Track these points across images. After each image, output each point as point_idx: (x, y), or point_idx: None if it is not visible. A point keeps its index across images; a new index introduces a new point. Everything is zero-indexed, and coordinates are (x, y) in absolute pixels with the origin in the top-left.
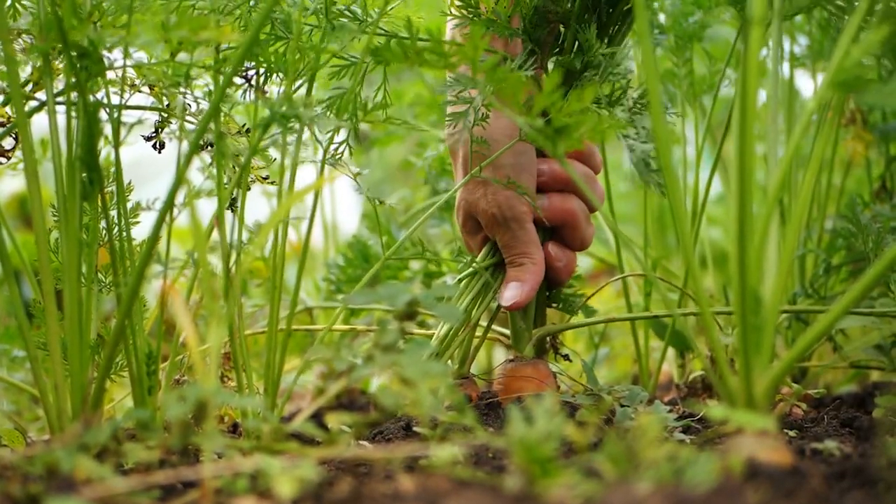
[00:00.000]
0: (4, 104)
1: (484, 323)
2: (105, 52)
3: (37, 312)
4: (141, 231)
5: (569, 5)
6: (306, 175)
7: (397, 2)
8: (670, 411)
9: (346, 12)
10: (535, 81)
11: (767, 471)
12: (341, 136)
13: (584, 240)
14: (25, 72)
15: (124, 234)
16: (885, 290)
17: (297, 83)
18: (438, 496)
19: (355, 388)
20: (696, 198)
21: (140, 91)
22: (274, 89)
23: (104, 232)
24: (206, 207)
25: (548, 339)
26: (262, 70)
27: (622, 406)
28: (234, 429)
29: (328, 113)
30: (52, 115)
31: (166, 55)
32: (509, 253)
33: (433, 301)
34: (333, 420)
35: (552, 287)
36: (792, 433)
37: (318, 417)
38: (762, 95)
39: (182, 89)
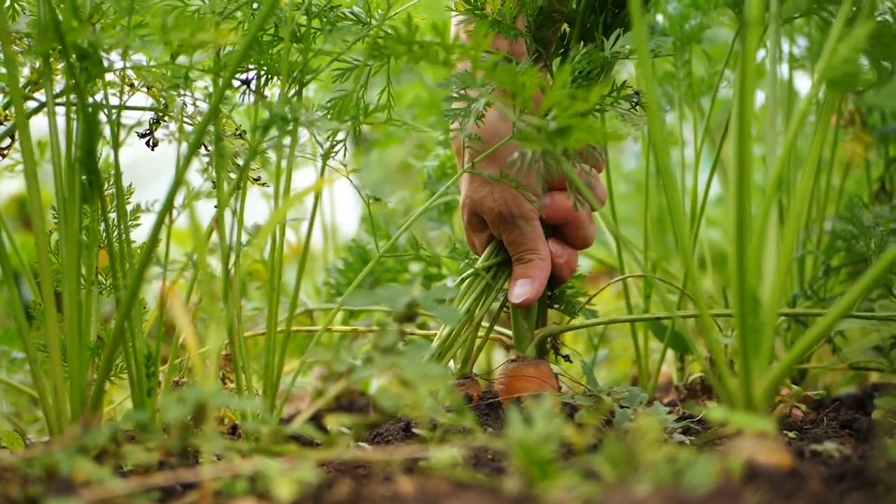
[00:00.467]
0: (6, 107)
1: (486, 324)
2: (104, 54)
3: (36, 314)
4: (140, 233)
5: (574, 5)
6: (306, 177)
7: (400, 5)
8: (670, 413)
9: (350, 14)
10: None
11: (767, 472)
12: (341, 137)
13: (587, 238)
14: (25, 73)
15: (124, 236)
16: (885, 292)
17: (297, 85)
18: (437, 498)
19: (354, 390)
20: (695, 199)
21: (140, 92)
22: (274, 91)
23: (104, 234)
24: (206, 209)
25: (549, 339)
26: (261, 72)
27: (622, 407)
28: (234, 430)
29: (329, 115)
30: (51, 116)
31: (166, 57)
32: (517, 250)
33: (433, 303)
34: (332, 422)
35: (554, 286)
36: (791, 435)
37: (317, 419)
38: (760, 97)
39: (181, 91)
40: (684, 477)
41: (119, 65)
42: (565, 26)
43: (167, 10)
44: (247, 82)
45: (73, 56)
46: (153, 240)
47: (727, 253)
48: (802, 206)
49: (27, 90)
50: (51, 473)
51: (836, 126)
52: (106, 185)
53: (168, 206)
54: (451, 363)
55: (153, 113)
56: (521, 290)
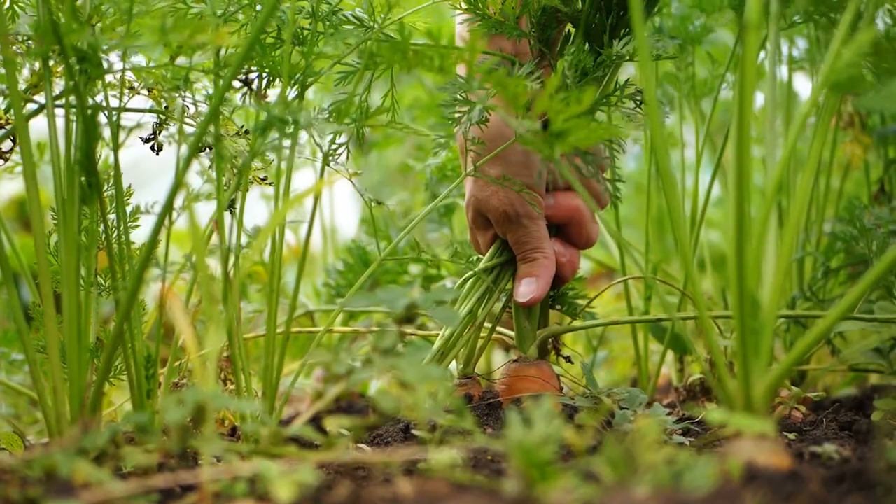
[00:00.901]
0: (6, 110)
1: (488, 324)
2: (104, 55)
3: (35, 316)
4: (140, 234)
5: (579, 5)
6: (306, 178)
7: (402, 10)
8: (669, 414)
9: (353, 18)
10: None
11: (766, 474)
12: (341, 139)
13: (590, 238)
14: (24, 75)
15: (123, 237)
16: (884, 294)
17: (298, 87)
18: (437, 500)
19: (354, 392)
20: (696, 201)
21: (139, 94)
22: (275, 92)
23: (103, 235)
24: (205, 210)
25: (550, 340)
26: (261, 74)
27: (621, 409)
28: (233, 432)
29: (330, 118)
30: (51, 118)
31: (165, 58)
32: (522, 249)
33: (432, 304)
34: (332, 423)
35: (556, 285)
36: (791, 436)
37: (316, 421)
38: (760, 98)
39: (181, 92)
40: (684, 479)
41: (119, 66)
42: (569, 26)
43: (167, 11)
44: (247, 83)
45: (73, 58)
46: (153, 241)
47: (727, 254)
48: (802, 208)
49: (27, 92)
50: (50, 475)
51: (836, 128)
52: (105, 187)
53: (168, 207)
54: (454, 363)
55: (155, 116)
56: (527, 288)
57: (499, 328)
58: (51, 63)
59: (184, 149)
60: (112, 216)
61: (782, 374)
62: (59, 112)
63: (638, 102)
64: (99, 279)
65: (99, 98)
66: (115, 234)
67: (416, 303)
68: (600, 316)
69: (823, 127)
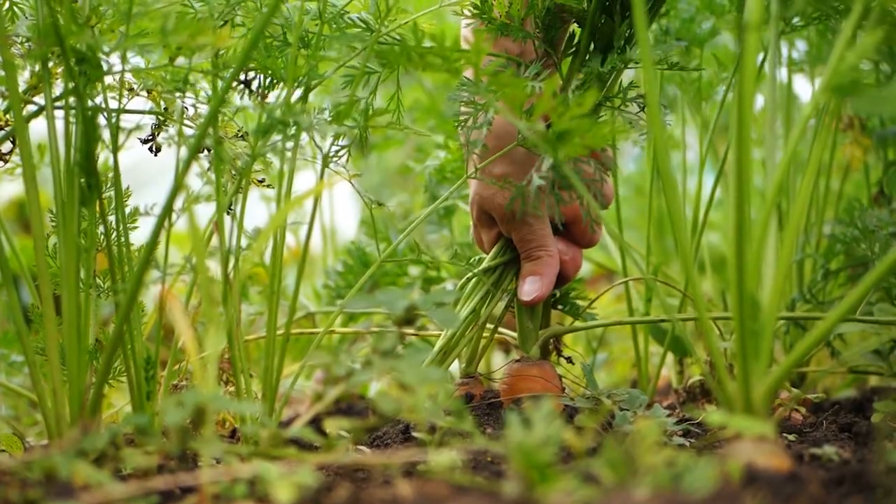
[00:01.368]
0: (6, 111)
1: (489, 324)
2: (103, 57)
3: (35, 317)
4: (139, 236)
5: (585, 5)
6: (306, 180)
7: (408, 14)
8: (669, 416)
9: (358, 21)
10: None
11: (766, 476)
12: (343, 141)
13: (593, 237)
14: (24, 76)
15: (122, 239)
16: (884, 296)
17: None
18: (436, 501)
19: (354, 394)
20: (698, 204)
21: (139, 95)
22: (275, 94)
23: (102, 237)
24: (205, 212)
25: (551, 340)
26: (260, 75)
27: (621, 410)
28: (233, 434)
29: (332, 120)
30: (50, 119)
31: (165, 60)
32: (526, 247)
33: (432, 306)
34: (332, 425)
35: (559, 284)
36: (790, 438)
37: (316, 423)
38: (760, 100)
39: (181, 94)
40: (683, 480)
41: (118, 68)
42: (574, 26)
43: (167, 12)
44: (247, 84)
45: (72, 59)
46: (152, 243)
47: (727, 256)
48: (802, 210)
49: (26, 93)
50: (50, 477)
51: (835, 129)
52: (104, 189)
53: (167, 209)
54: (456, 362)
55: (154, 117)
56: (531, 287)
57: (500, 328)
58: (50, 65)
59: (183, 151)
60: (111, 218)
61: (782, 376)
62: (59, 114)
63: (641, 106)
64: (98, 281)
65: (98, 100)
66: (114, 236)
67: (415, 304)
68: (600, 317)
69: (824, 129)
